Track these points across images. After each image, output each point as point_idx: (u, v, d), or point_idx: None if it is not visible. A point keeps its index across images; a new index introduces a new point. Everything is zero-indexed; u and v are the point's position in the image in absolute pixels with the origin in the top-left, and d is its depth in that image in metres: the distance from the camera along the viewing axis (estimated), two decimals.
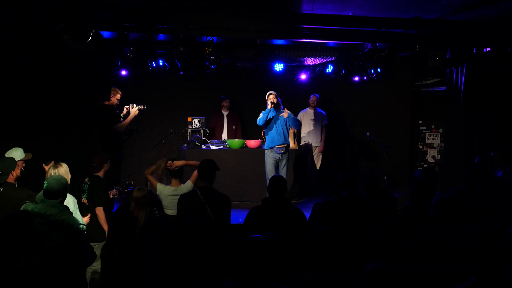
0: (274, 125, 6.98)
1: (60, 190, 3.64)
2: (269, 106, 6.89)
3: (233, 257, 3.25)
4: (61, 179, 3.75)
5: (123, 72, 8.32)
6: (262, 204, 4.09)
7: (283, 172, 6.96)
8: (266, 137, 7.13)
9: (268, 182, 6.79)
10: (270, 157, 6.98)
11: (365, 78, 8.82)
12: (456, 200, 3.39)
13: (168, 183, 5.10)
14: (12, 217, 2.98)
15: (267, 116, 6.93)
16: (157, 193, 4.91)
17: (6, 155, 4.76)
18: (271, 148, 6.97)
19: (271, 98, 6.94)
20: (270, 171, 6.94)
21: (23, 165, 4.80)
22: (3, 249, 2.80)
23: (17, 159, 4.76)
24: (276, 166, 6.99)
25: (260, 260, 2.65)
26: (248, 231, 3.84)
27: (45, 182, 3.67)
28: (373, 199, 4.37)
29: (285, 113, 6.98)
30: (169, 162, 4.97)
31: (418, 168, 9.54)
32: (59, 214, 3.50)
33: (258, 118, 7.02)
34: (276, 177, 4.21)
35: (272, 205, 4.02)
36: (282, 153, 6.95)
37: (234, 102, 9.28)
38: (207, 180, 4.32)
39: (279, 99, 7.03)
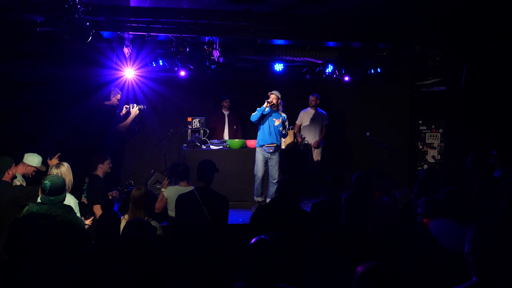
0: (268, 125, 6.94)
1: (63, 184, 3.70)
2: (265, 105, 6.83)
3: (237, 258, 3.24)
4: (59, 176, 3.84)
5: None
6: (269, 204, 4.09)
7: (274, 171, 6.98)
8: (258, 134, 7.08)
9: (256, 179, 6.98)
10: (260, 155, 6.99)
11: (365, 77, 8.83)
12: (449, 200, 3.40)
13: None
14: (18, 221, 2.98)
15: (261, 113, 6.86)
16: (167, 196, 4.88)
17: (25, 155, 4.85)
18: (261, 146, 6.98)
19: (271, 97, 6.89)
20: (258, 168, 6.97)
21: (33, 172, 4.86)
22: (10, 252, 2.80)
23: (32, 164, 4.85)
24: (265, 164, 7.01)
25: (266, 262, 2.64)
26: (255, 231, 3.85)
27: (46, 182, 3.66)
28: (372, 198, 4.38)
29: (277, 121, 6.97)
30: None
31: (419, 168, 9.55)
32: (65, 214, 3.50)
33: (252, 114, 6.95)
34: (286, 178, 4.18)
35: (278, 205, 4.02)
36: (271, 152, 6.96)
37: (234, 102, 9.28)
38: (205, 181, 4.30)
39: (281, 102, 6.97)
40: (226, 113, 8.88)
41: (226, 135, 8.77)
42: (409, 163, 9.72)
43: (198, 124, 8.20)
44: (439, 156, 9.72)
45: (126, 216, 4.20)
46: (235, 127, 8.86)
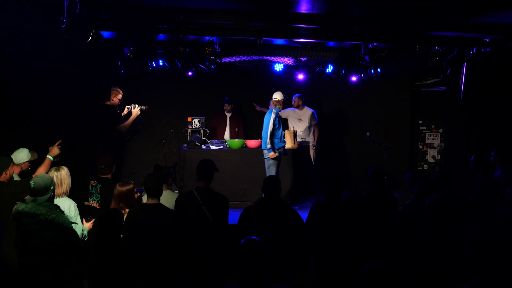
0: (281, 127, 6.79)
1: (47, 186, 3.67)
2: (278, 110, 6.72)
3: (232, 258, 3.25)
4: (44, 176, 3.78)
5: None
6: (257, 204, 4.06)
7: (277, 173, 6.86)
8: (275, 139, 6.75)
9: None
10: (276, 160, 6.74)
11: (365, 78, 8.84)
12: (450, 199, 3.38)
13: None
14: None
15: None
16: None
17: (12, 156, 4.78)
18: (280, 149, 6.76)
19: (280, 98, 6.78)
20: (273, 173, 6.69)
21: (29, 166, 4.83)
22: None
23: (24, 160, 4.81)
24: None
25: (257, 262, 2.65)
26: (243, 231, 3.85)
27: (31, 182, 3.67)
28: (376, 197, 4.38)
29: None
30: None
31: (419, 168, 9.55)
32: (49, 213, 3.52)
33: (271, 122, 6.63)
34: (271, 177, 4.21)
35: (267, 205, 4.01)
36: (286, 153, 6.84)
37: (235, 102, 9.27)
38: (205, 180, 4.29)
39: None
40: (228, 115, 8.90)
41: (227, 136, 8.77)
42: (409, 163, 9.72)
43: (198, 124, 8.20)
44: (439, 156, 9.72)
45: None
46: (236, 129, 8.86)
